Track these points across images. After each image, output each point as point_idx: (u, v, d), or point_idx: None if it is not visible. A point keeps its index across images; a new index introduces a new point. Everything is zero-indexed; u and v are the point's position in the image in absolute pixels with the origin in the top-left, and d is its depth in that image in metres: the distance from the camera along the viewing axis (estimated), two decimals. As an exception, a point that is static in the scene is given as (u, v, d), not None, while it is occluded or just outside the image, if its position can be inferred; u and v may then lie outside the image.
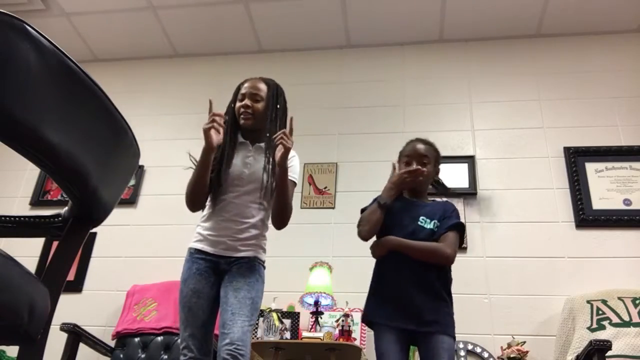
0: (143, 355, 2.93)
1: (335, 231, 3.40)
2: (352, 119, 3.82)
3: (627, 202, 3.24)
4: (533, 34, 3.89)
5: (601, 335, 2.54)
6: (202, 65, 4.25)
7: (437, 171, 2.27)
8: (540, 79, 3.75)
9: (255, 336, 2.84)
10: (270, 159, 2.13)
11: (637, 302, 2.69)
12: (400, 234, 2.05)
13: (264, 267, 2.14)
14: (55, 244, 0.96)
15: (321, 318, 2.85)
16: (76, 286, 3.43)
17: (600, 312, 2.70)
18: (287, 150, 2.01)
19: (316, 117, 3.86)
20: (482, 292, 3.10)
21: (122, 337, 3.04)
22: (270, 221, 2.19)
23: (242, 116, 2.19)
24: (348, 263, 3.20)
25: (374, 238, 2.13)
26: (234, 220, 2.09)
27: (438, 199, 2.29)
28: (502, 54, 3.90)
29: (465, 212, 3.30)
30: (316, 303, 2.84)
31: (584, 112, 3.59)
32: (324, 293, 2.85)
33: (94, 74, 0.85)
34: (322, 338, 2.67)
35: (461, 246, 2.17)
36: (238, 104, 2.23)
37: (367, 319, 2.09)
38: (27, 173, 3.94)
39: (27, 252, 3.32)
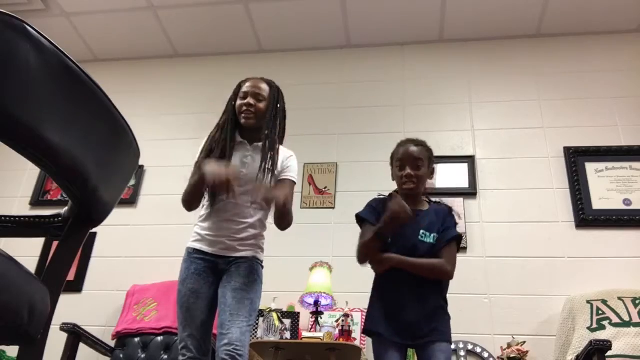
0: (143, 355, 2.93)
1: (335, 231, 3.40)
2: (352, 119, 3.82)
3: (627, 202, 3.23)
4: (533, 34, 3.89)
5: (601, 335, 2.54)
6: (202, 65, 4.25)
7: (432, 171, 2.20)
8: (540, 79, 3.75)
9: (255, 336, 2.84)
10: (268, 159, 2.13)
11: (637, 302, 2.69)
12: (401, 250, 2.01)
13: (263, 267, 2.14)
14: (55, 244, 0.96)
15: (321, 318, 2.85)
16: (76, 286, 3.43)
17: (600, 312, 2.70)
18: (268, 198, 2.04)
19: (316, 117, 3.86)
20: (482, 292, 3.10)
21: (122, 337, 3.04)
22: (269, 220, 2.19)
23: (243, 115, 2.18)
24: (348, 263, 3.18)
25: None
26: (233, 221, 2.09)
27: (434, 201, 2.23)
28: (502, 54, 3.90)
29: (465, 212, 3.30)
30: (316, 303, 2.84)
31: (584, 112, 3.59)
32: (324, 293, 2.85)
33: (94, 74, 0.85)
34: (322, 338, 2.67)
35: (459, 250, 2.14)
36: (240, 102, 2.21)
37: (367, 329, 2.08)
38: (27, 173, 3.94)
39: (27, 252, 3.32)
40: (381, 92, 3.89)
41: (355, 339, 2.79)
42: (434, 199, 2.26)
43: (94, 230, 1.34)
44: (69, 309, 2.92)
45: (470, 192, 3.40)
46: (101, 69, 4.23)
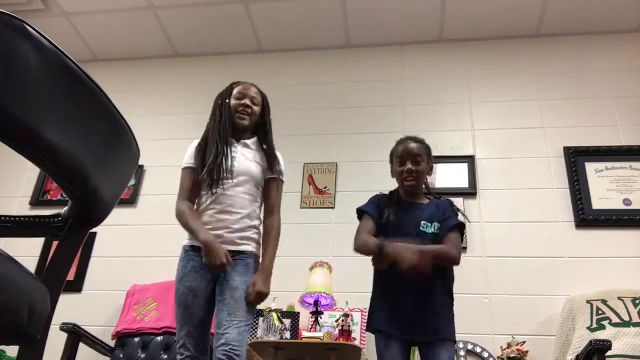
0: (143, 355, 2.93)
1: (335, 231, 3.40)
2: (352, 119, 3.82)
3: (627, 202, 3.24)
4: (533, 34, 3.89)
5: (601, 335, 2.54)
6: (202, 65, 4.25)
7: (430, 167, 2.23)
8: (540, 79, 3.75)
9: (255, 336, 2.84)
10: (260, 156, 2.25)
11: (637, 302, 2.69)
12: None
13: (259, 261, 2.16)
14: (55, 244, 0.96)
15: (321, 318, 2.85)
16: (76, 286, 3.43)
17: (600, 312, 2.70)
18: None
19: (316, 117, 3.86)
20: (482, 292, 3.10)
21: (122, 337, 3.03)
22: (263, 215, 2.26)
23: (239, 114, 2.25)
24: (348, 263, 3.20)
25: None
26: (228, 212, 2.11)
27: (434, 198, 2.26)
28: (502, 54, 3.90)
29: (466, 212, 3.30)
30: (316, 303, 2.84)
31: (584, 112, 3.59)
32: (324, 293, 2.85)
33: (94, 74, 0.85)
34: (322, 338, 2.67)
35: (463, 238, 2.16)
36: (236, 102, 2.28)
37: (370, 327, 2.08)
38: (27, 173, 3.94)
39: (27, 252, 3.32)
40: (381, 92, 3.89)
41: (355, 339, 2.79)
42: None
43: (94, 230, 1.34)
44: (69, 309, 2.92)
45: (470, 192, 3.40)
46: (101, 69, 4.23)
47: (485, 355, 2.91)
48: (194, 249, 2.10)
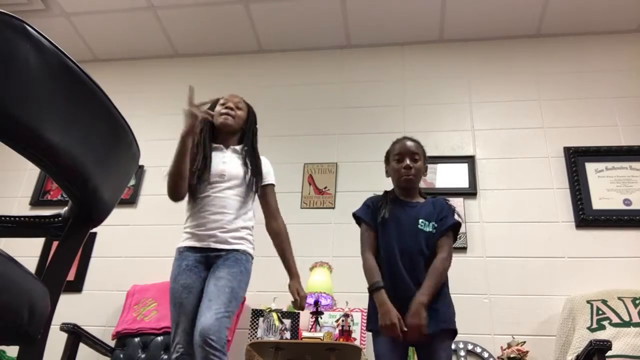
0: (143, 355, 2.93)
1: (335, 231, 3.40)
2: (352, 119, 3.82)
3: (627, 202, 3.23)
4: (533, 34, 3.89)
5: (601, 335, 2.54)
6: (202, 65, 4.25)
7: (425, 168, 2.27)
8: (540, 79, 3.75)
9: (255, 336, 2.84)
10: (250, 161, 2.31)
11: (637, 302, 2.69)
12: (403, 243, 2.05)
13: (252, 260, 2.20)
14: (55, 244, 0.96)
15: (321, 318, 2.85)
16: (76, 286, 3.43)
17: (600, 312, 2.70)
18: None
19: (316, 117, 3.86)
20: (482, 292, 3.10)
21: (122, 337, 3.03)
22: (257, 215, 2.34)
23: (223, 116, 2.33)
24: (348, 263, 3.20)
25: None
26: (221, 212, 2.17)
27: (429, 197, 2.28)
28: (502, 54, 3.90)
29: (465, 212, 3.30)
30: (316, 303, 2.84)
31: (584, 112, 3.59)
32: (324, 293, 2.85)
33: (94, 74, 0.85)
34: (322, 338, 2.67)
35: (455, 238, 2.18)
36: (219, 107, 2.37)
37: (370, 328, 2.09)
38: (27, 173, 3.94)
39: (27, 252, 3.32)
40: (381, 92, 3.89)
41: (355, 339, 2.79)
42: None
43: (94, 230, 1.34)
44: (69, 309, 2.92)
45: (470, 192, 3.40)
46: (101, 69, 4.23)
47: (485, 355, 2.91)
48: (188, 249, 2.13)
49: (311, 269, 2.98)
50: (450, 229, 2.09)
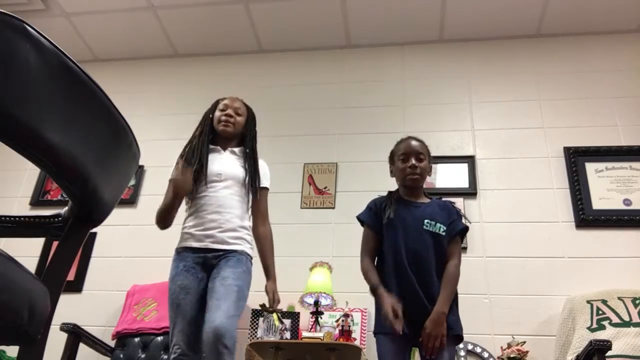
0: (143, 355, 2.93)
1: (335, 231, 3.40)
2: (352, 119, 3.82)
3: (627, 202, 3.23)
4: (533, 34, 3.89)
5: (601, 335, 2.54)
6: (202, 65, 4.25)
7: (430, 167, 2.27)
8: (540, 78, 3.75)
9: (255, 336, 2.84)
10: (249, 163, 2.33)
11: (637, 302, 2.69)
12: (409, 243, 2.05)
13: (251, 261, 2.21)
14: (55, 244, 0.96)
15: (321, 318, 2.85)
16: (76, 286, 3.43)
17: (600, 312, 2.70)
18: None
19: (316, 117, 3.86)
20: (482, 292, 3.10)
21: (122, 337, 3.03)
22: (251, 215, 2.36)
23: (223, 123, 2.36)
24: (348, 263, 3.20)
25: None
26: (218, 212, 2.18)
27: (434, 198, 2.28)
28: (502, 54, 3.90)
29: (466, 212, 3.30)
30: (316, 303, 2.84)
31: (584, 112, 3.59)
32: (324, 293, 2.85)
33: (94, 74, 0.85)
34: (322, 338, 2.67)
35: (462, 240, 2.20)
36: (219, 113, 2.40)
37: (374, 331, 2.09)
38: (27, 173, 3.94)
39: (27, 252, 3.32)
40: (381, 92, 3.89)
41: (355, 339, 2.79)
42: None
43: (94, 230, 1.34)
44: (69, 309, 2.92)
45: (470, 192, 3.40)
46: (101, 69, 4.23)
47: (485, 355, 2.91)
48: (186, 249, 2.13)
49: (311, 269, 2.98)
50: (459, 234, 2.13)
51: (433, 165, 2.35)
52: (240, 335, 3.05)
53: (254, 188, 2.30)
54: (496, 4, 3.68)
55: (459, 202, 3.30)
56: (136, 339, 3.00)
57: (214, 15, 3.92)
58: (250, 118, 2.47)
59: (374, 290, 2.02)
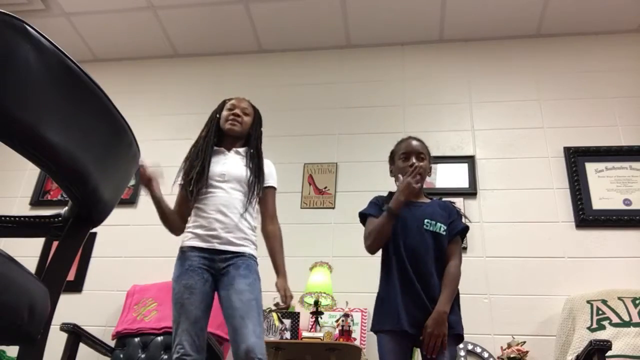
0: (143, 355, 2.93)
1: (335, 231, 3.40)
2: (352, 119, 3.82)
3: (627, 202, 3.24)
4: (533, 34, 3.89)
5: (601, 335, 2.54)
6: (202, 65, 4.25)
7: (430, 168, 2.27)
8: (540, 79, 3.75)
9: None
10: (252, 163, 2.32)
11: (637, 302, 2.69)
12: (409, 242, 2.05)
13: (257, 264, 2.20)
14: (55, 244, 0.96)
15: (321, 318, 2.85)
16: (76, 286, 3.43)
17: (600, 312, 2.70)
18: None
19: (316, 117, 3.86)
20: (482, 292, 3.10)
21: (122, 337, 3.03)
22: (259, 217, 2.35)
23: (230, 122, 2.36)
24: (348, 263, 3.20)
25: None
26: (222, 212, 2.17)
27: (435, 198, 2.29)
28: (502, 54, 3.90)
29: (466, 212, 3.30)
30: (316, 303, 2.84)
31: (584, 112, 3.59)
32: (324, 293, 2.85)
33: (94, 74, 0.85)
34: (322, 338, 2.68)
35: (462, 240, 2.19)
36: (227, 112, 2.39)
37: (374, 328, 2.08)
38: (27, 173, 3.94)
39: (27, 252, 3.31)
40: (381, 92, 3.89)
41: (355, 339, 2.79)
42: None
43: (94, 230, 1.34)
44: (69, 309, 2.92)
45: (470, 192, 3.40)
46: (101, 69, 4.23)
47: (485, 355, 2.91)
48: (192, 249, 2.12)
49: (311, 269, 2.98)
50: (459, 233, 2.13)
51: (433, 165, 2.34)
52: (240, 335, 3.06)
53: (258, 188, 2.29)
54: (496, 4, 3.68)
55: (459, 202, 3.30)
56: (136, 339, 2.99)
57: (214, 15, 3.92)
58: (257, 118, 2.47)
59: (389, 208, 2.04)
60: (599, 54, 3.76)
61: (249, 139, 2.41)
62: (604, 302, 2.74)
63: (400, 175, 2.14)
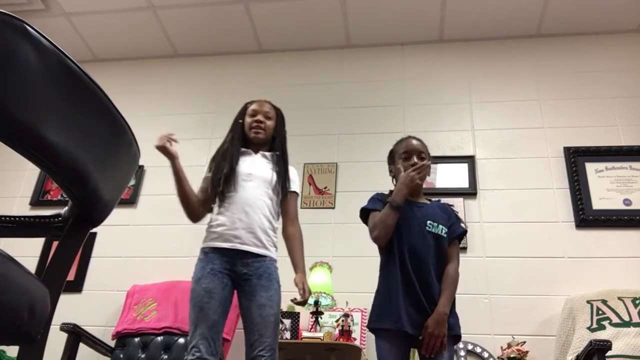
0: (143, 355, 2.93)
1: (335, 231, 3.40)
2: (352, 119, 3.82)
3: (627, 202, 3.24)
4: (533, 34, 3.89)
5: (601, 335, 2.54)
6: (202, 65, 4.25)
7: (430, 167, 2.27)
8: (540, 78, 3.75)
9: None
10: (278, 166, 2.33)
11: (637, 302, 2.69)
12: (411, 243, 2.05)
13: (277, 267, 2.20)
14: (55, 244, 0.96)
15: (321, 318, 2.85)
16: (76, 286, 3.43)
17: (600, 312, 2.70)
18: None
19: (316, 117, 3.86)
20: (482, 292, 3.10)
21: (122, 337, 3.03)
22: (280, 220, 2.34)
23: (254, 130, 2.37)
24: (348, 263, 3.20)
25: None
26: (246, 212, 2.17)
27: (434, 200, 2.29)
28: (502, 54, 3.90)
29: (466, 212, 3.30)
30: (316, 303, 2.84)
31: (584, 112, 3.59)
32: (324, 293, 2.85)
33: (94, 74, 0.85)
34: (322, 338, 2.68)
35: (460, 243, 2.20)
36: (250, 119, 2.40)
37: (373, 325, 2.08)
38: (27, 173, 3.94)
39: (27, 252, 3.31)
40: (381, 92, 3.89)
41: (355, 339, 2.79)
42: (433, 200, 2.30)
43: (94, 230, 1.34)
44: (69, 309, 2.92)
45: (470, 192, 3.40)
46: (101, 69, 4.23)
47: (485, 355, 2.91)
48: (214, 250, 2.12)
49: (311, 268, 2.98)
50: (458, 237, 2.14)
51: (433, 165, 2.35)
52: (241, 335, 3.05)
53: (283, 190, 2.29)
54: (496, 4, 3.68)
55: (459, 202, 3.31)
56: (136, 339, 2.99)
57: (214, 15, 3.92)
58: (280, 119, 2.47)
59: (392, 200, 2.05)
60: (599, 54, 3.76)
61: (274, 141, 2.42)
62: (604, 302, 2.74)
63: (401, 168, 2.14)
